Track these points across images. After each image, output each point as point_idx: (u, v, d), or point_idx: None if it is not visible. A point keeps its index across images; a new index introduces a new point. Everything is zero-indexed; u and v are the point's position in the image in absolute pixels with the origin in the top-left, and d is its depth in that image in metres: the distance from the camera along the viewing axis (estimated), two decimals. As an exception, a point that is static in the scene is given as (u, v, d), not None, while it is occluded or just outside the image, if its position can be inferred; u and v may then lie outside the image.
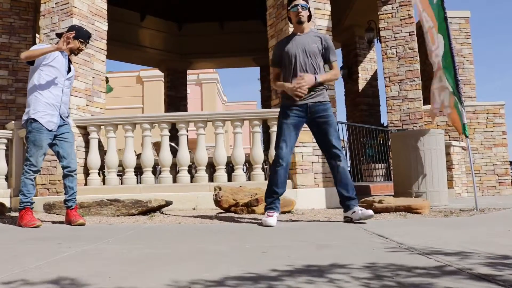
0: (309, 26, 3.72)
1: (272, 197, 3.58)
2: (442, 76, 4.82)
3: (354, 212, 3.46)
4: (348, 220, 3.52)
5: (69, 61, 3.96)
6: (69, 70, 3.92)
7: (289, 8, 3.67)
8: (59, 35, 3.94)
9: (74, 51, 3.85)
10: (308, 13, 3.66)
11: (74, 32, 3.77)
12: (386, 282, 1.50)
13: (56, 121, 3.80)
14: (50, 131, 3.76)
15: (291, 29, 5.40)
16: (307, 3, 3.66)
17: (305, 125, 3.68)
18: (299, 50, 3.56)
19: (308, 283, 1.51)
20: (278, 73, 3.75)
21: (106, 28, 6.06)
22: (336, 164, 3.51)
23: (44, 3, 5.75)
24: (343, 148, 7.48)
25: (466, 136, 4.76)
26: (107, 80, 13.24)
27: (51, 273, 1.77)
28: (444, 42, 4.59)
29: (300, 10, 3.59)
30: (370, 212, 3.43)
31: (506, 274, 1.57)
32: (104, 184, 5.47)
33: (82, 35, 3.84)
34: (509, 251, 2.03)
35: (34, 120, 3.69)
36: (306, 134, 5.02)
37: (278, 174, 3.54)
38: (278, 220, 3.55)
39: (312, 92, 3.54)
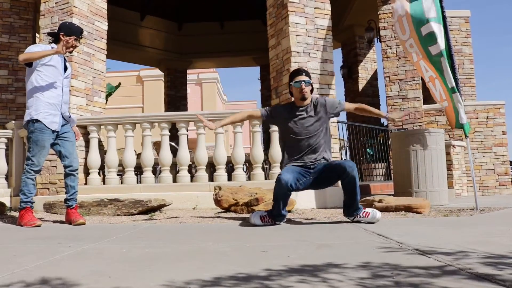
0: (310, 97, 3.62)
1: (282, 215, 3.52)
2: (426, 66, 4.79)
3: (364, 219, 3.42)
4: (356, 221, 3.51)
5: (65, 59, 3.96)
6: (65, 69, 3.91)
7: (291, 83, 3.57)
8: (51, 34, 3.93)
9: (69, 49, 3.82)
10: (311, 88, 3.59)
11: (73, 37, 3.76)
12: (385, 281, 1.50)
13: (58, 121, 3.80)
14: (53, 131, 3.76)
15: (291, 30, 5.42)
16: (310, 78, 3.57)
17: None
18: (304, 132, 3.53)
19: (307, 283, 1.51)
20: (257, 115, 3.74)
21: (106, 27, 6.06)
22: (345, 176, 3.38)
23: (44, 2, 5.76)
24: (343, 148, 7.51)
25: (466, 136, 4.76)
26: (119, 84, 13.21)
27: (51, 272, 1.77)
28: (444, 41, 4.58)
29: (303, 87, 3.51)
30: (375, 218, 3.38)
31: (506, 274, 1.57)
32: (104, 183, 5.47)
33: (75, 32, 3.82)
34: (509, 251, 2.03)
35: (37, 120, 3.69)
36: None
37: (284, 198, 3.44)
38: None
39: (315, 159, 3.53)
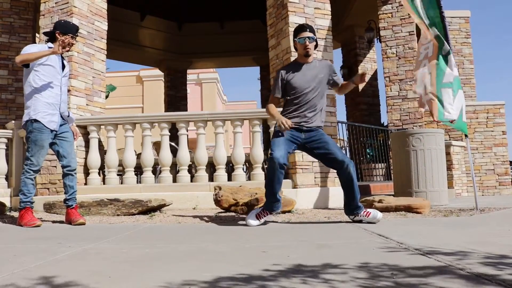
0: (313, 55, 3.69)
1: (276, 199, 3.51)
2: (428, 65, 4.73)
3: (365, 219, 3.44)
4: (357, 220, 3.51)
5: (62, 58, 3.95)
6: (63, 67, 3.91)
7: (295, 39, 3.62)
8: (47, 34, 3.92)
9: (65, 48, 3.80)
10: (315, 44, 3.63)
11: (69, 36, 3.75)
12: (385, 282, 1.50)
13: (57, 121, 3.80)
14: (52, 131, 3.76)
15: (291, 30, 5.41)
16: (314, 34, 3.61)
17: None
18: (306, 86, 3.56)
19: (307, 283, 1.51)
20: (276, 101, 3.74)
21: (106, 27, 6.06)
22: (342, 172, 3.43)
23: (44, 2, 5.75)
24: (343, 148, 7.51)
25: (466, 136, 4.75)
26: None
27: (51, 272, 1.77)
28: (440, 42, 4.57)
29: (307, 43, 3.55)
30: (376, 218, 3.40)
31: (506, 274, 1.57)
32: (104, 183, 5.47)
33: (71, 29, 3.82)
34: (509, 251, 2.04)
35: (36, 120, 3.69)
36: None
37: (277, 176, 3.42)
38: (281, 222, 3.56)
39: (311, 118, 3.54)
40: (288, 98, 3.65)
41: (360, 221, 3.44)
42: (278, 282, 1.53)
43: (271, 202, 3.49)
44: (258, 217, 3.46)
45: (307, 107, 3.55)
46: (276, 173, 3.39)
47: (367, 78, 3.55)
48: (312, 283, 1.51)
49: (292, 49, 5.39)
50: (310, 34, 3.56)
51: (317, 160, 5.24)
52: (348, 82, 3.72)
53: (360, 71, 10.11)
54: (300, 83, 3.57)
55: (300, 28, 3.62)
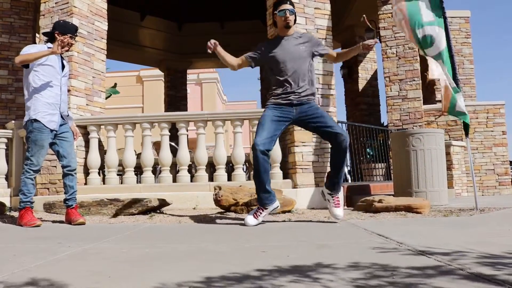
0: (293, 29, 3.70)
1: (267, 191, 3.48)
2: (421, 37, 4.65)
3: (332, 206, 3.54)
4: (325, 198, 3.62)
5: (62, 58, 3.96)
6: (63, 67, 3.91)
7: (275, 12, 3.63)
8: (46, 34, 3.93)
9: (64, 48, 3.80)
10: (294, 17, 3.65)
11: (68, 36, 3.75)
12: (384, 281, 1.50)
13: (57, 120, 3.81)
14: (52, 131, 3.76)
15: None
16: (293, 7, 3.64)
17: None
18: (288, 57, 3.55)
19: (307, 283, 1.52)
20: (244, 60, 3.81)
21: (106, 27, 6.06)
22: (338, 144, 3.42)
23: (44, 2, 5.76)
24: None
25: (466, 136, 4.75)
26: (115, 85, 13.38)
27: (51, 272, 1.77)
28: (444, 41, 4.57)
29: (288, 15, 3.56)
30: (340, 215, 3.48)
31: (505, 274, 1.57)
32: (104, 183, 5.47)
33: (70, 30, 3.83)
34: (508, 251, 2.04)
35: (36, 120, 3.70)
36: (305, 134, 5.03)
37: (262, 164, 3.37)
38: (281, 221, 3.57)
39: (299, 90, 3.54)
40: (272, 73, 3.64)
41: (329, 201, 3.54)
42: (277, 282, 1.53)
43: (262, 195, 3.45)
44: (255, 216, 3.46)
45: (292, 78, 3.53)
46: (260, 161, 3.36)
47: (372, 47, 3.50)
48: (312, 283, 1.51)
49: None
50: (290, 7, 3.59)
51: (317, 160, 5.26)
52: (349, 50, 3.70)
53: (359, 73, 10.16)
54: (280, 54, 3.57)
55: (280, 1, 3.64)
